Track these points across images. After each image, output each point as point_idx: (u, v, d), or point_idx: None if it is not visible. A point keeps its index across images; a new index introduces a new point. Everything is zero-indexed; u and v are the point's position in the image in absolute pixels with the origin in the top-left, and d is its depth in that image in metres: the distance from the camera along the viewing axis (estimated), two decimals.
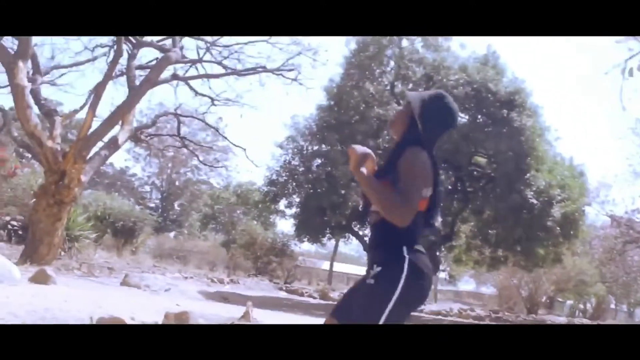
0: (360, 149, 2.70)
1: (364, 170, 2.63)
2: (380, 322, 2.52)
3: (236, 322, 8.56)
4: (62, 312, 6.83)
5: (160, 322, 6.66)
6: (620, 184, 43.63)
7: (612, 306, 43.24)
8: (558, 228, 15.94)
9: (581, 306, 37.23)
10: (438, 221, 2.96)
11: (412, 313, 2.75)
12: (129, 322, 6.17)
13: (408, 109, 2.89)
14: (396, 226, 2.58)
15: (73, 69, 18.49)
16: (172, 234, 50.58)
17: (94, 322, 6.25)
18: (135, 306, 8.33)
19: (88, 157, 14.38)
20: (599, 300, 33.04)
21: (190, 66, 17.98)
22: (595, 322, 24.92)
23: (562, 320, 23.90)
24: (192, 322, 6.33)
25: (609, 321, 30.72)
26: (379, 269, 2.64)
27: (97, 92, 14.17)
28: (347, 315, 2.71)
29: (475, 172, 18.68)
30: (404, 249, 2.63)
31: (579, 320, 24.75)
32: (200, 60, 17.48)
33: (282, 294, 21.70)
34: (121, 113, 14.34)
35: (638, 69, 6.77)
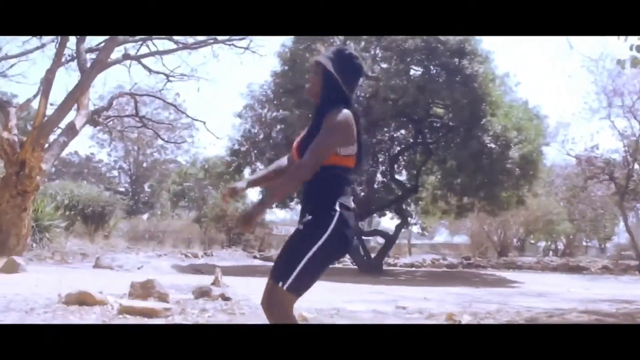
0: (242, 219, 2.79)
1: (259, 209, 2.82)
2: (302, 264, 2.65)
3: (207, 288, 8.78)
4: (33, 295, 6.96)
5: (127, 294, 6.83)
6: (578, 122, 44.22)
7: (584, 243, 44.30)
8: (517, 169, 16.26)
9: (553, 246, 38.04)
10: (365, 166, 3.09)
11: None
12: (96, 296, 6.32)
13: (319, 70, 2.94)
14: (329, 180, 2.77)
15: (22, 58, 18.26)
16: (145, 216, 50.40)
17: (62, 300, 6.41)
18: (104, 283, 8.47)
19: (46, 144, 14.30)
20: (568, 238, 33.83)
21: (142, 44, 17.81)
22: (566, 261, 25.58)
23: (530, 260, 24.52)
24: (158, 289, 6.51)
25: (580, 257, 31.55)
26: (309, 217, 2.77)
27: (48, 78, 14.02)
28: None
29: (434, 124, 18.93)
30: (337, 203, 2.75)
31: (549, 258, 25.35)
32: (150, 38, 17.31)
33: (257, 262, 21.95)
34: (74, 98, 14.23)
35: None
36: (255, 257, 23.37)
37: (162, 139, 26.69)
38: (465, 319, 5.94)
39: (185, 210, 46.44)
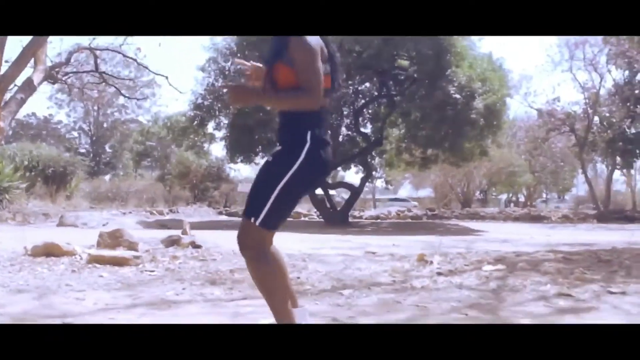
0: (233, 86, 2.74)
1: (251, 93, 2.69)
2: (272, 197, 2.58)
3: (177, 236, 8.74)
4: None
5: (94, 245, 6.74)
6: (540, 75, 44.86)
7: (544, 195, 45.29)
8: (482, 120, 16.39)
9: (514, 198, 38.77)
10: (340, 82, 2.95)
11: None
12: (64, 247, 6.22)
13: None
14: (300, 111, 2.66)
15: None
16: (107, 177, 49.89)
17: (29, 252, 6.30)
18: (71, 238, 8.35)
19: (2, 102, 13.86)
20: (529, 190, 34.50)
21: None
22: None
23: (493, 210, 24.94)
24: (127, 238, 6.43)
25: (540, 207, 32.23)
26: (279, 147, 2.70)
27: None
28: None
29: (399, 76, 18.85)
30: (308, 133, 2.65)
31: (511, 209, 25.83)
32: None
33: (223, 217, 21.91)
34: (30, 52, 13.70)
35: None
36: (221, 213, 23.31)
37: (124, 96, 26.05)
38: (437, 260, 6.02)
39: (148, 170, 46.04)
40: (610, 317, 3.75)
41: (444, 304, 4.12)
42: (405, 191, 48.63)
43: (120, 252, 5.96)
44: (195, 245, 6.82)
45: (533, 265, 5.78)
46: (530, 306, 4.08)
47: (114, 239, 6.41)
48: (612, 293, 4.65)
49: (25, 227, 13.63)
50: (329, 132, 2.85)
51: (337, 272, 5.57)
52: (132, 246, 6.38)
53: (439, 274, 5.42)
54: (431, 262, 5.86)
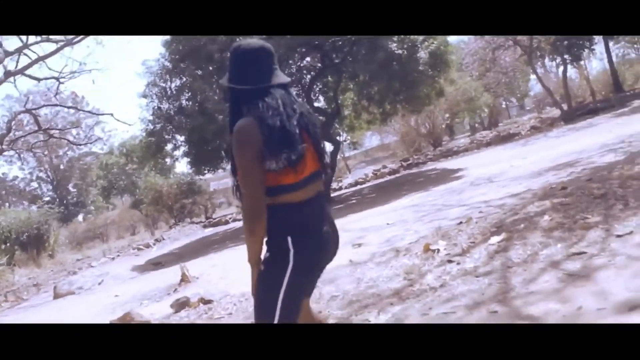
0: None
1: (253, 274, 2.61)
2: (279, 304, 2.51)
3: (178, 289, 8.65)
4: None
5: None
6: None
7: (503, 106, 45.61)
8: (429, 69, 16.40)
9: (478, 119, 38.90)
10: (326, 158, 2.79)
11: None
12: None
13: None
14: (275, 211, 2.52)
15: None
16: (80, 217, 49.29)
17: None
18: (77, 313, 8.27)
19: None
20: (490, 108, 34.67)
21: (20, 55, 16.71)
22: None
23: (464, 142, 25.09)
24: (137, 319, 6.32)
25: (505, 122, 32.53)
26: (267, 254, 2.59)
27: None
28: None
29: (336, 43, 18.61)
30: (289, 239, 2.53)
31: (480, 135, 25.97)
32: (26, 46, 16.27)
33: (208, 231, 21.77)
34: None
35: None
36: (205, 226, 23.16)
37: (75, 144, 25.50)
38: (442, 245, 6.00)
39: (117, 197, 45.50)
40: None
41: (469, 301, 4.17)
42: (372, 143, 48.58)
43: None
44: (205, 301, 6.68)
45: (533, 224, 5.79)
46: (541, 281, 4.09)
47: (125, 322, 6.32)
48: (619, 236, 4.69)
49: (22, 310, 13.31)
50: (327, 214, 2.73)
51: (349, 289, 5.46)
52: None
53: (450, 261, 5.40)
54: (438, 251, 5.84)
